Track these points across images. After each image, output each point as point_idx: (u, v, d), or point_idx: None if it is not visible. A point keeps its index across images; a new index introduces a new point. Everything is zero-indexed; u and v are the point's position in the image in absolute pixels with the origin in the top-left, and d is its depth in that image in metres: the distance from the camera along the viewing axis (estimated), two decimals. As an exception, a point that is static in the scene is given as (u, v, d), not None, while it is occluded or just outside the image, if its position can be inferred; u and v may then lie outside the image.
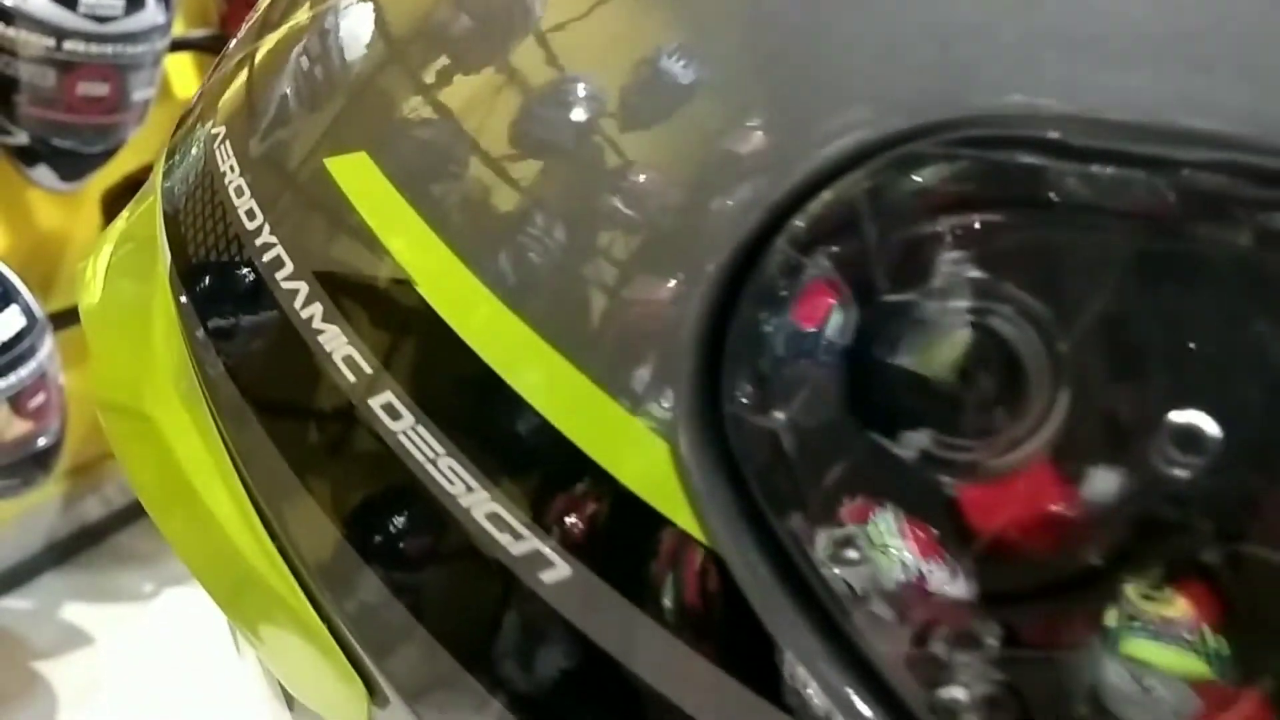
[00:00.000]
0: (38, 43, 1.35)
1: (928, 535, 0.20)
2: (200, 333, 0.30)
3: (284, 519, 0.28)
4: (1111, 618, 0.20)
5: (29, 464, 1.43)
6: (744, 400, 0.21)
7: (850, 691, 0.21)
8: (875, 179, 0.20)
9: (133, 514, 1.90)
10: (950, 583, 0.20)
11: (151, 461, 0.33)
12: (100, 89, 1.38)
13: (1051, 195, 0.19)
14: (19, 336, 1.31)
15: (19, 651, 1.72)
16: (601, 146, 0.23)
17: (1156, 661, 0.19)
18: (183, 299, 0.32)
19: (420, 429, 0.25)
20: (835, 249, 0.20)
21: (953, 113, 0.20)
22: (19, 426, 1.39)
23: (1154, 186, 0.19)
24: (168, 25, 1.43)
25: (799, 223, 0.20)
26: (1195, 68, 0.19)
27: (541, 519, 0.23)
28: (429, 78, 0.27)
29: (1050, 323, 0.19)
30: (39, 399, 1.36)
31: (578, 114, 0.24)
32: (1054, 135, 0.19)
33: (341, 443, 0.26)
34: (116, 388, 0.34)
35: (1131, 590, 0.19)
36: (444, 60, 0.27)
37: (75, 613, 1.77)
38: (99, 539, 1.88)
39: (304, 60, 0.30)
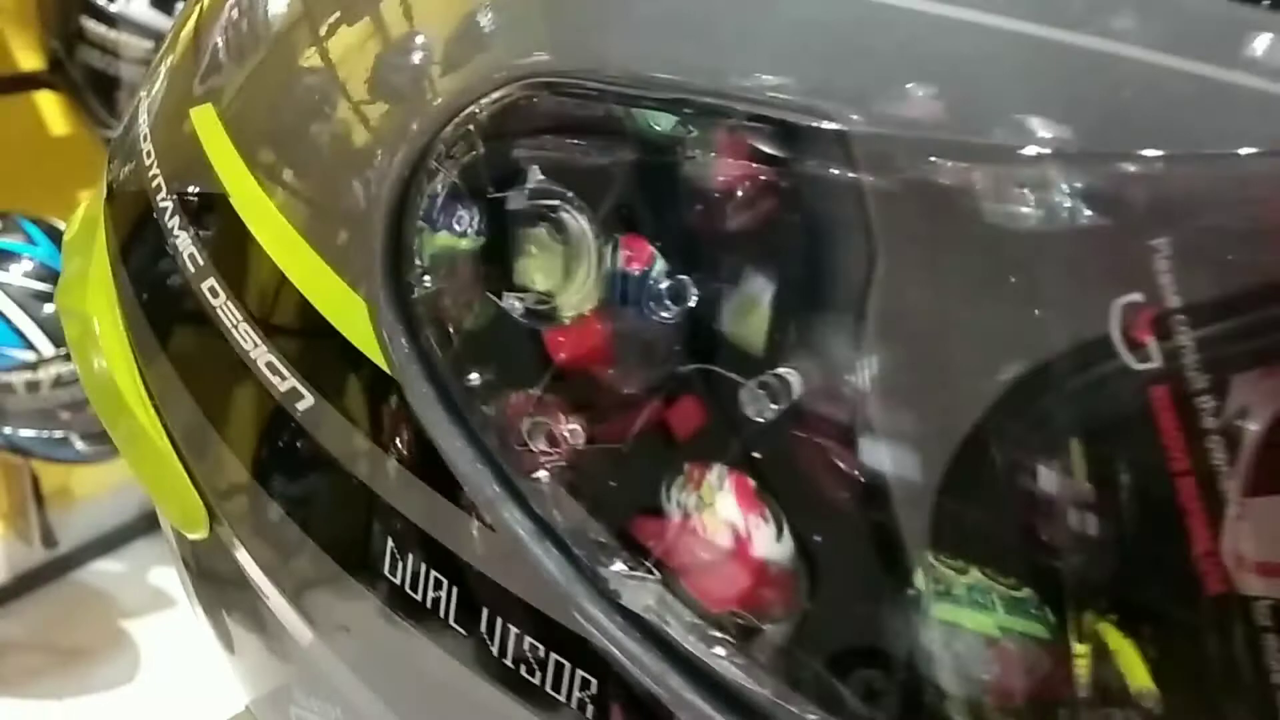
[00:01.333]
0: (138, 45, 1.48)
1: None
2: (112, 240, 0.40)
3: (154, 374, 0.38)
4: (922, 582, 0.28)
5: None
6: (413, 274, 0.31)
7: (479, 470, 0.30)
8: (486, 112, 0.29)
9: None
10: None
11: (90, 359, 0.43)
12: (192, 89, 1.51)
13: (597, 127, 0.29)
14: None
15: (110, 609, 1.84)
16: (335, 91, 0.33)
17: (966, 624, 0.28)
18: (109, 224, 0.42)
19: (230, 303, 0.35)
20: (462, 160, 0.30)
21: (542, 68, 0.29)
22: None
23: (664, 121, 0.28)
24: (257, 33, 1.56)
25: (440, 140, 0.30)
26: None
27: (295, 364, 0.33)
28: (245, 40, 0.37)
29: (590, 213, 0.29)
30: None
31: (332, 60, 0.34)
32: (599, 85, 0.28)
33: (186, 314, 0.37)
34: (70, 293, 0.44)
35: (936, 561, 0.28)
36: (252, 24, 0.37)
37: (162, 577, 1.88)
38: (188, 511, 1.99)
39: (195, 24, 0.40)
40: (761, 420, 0.27)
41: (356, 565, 0.32)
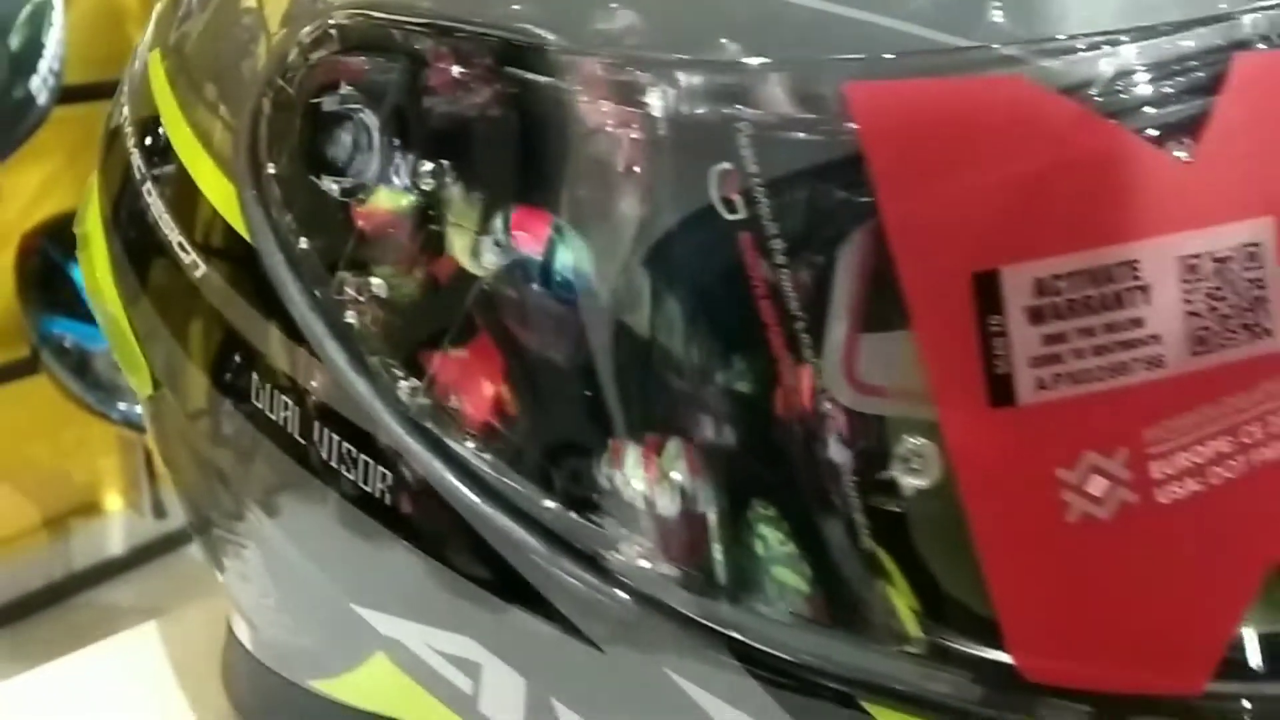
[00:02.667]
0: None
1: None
2: (101, 174, 0.52)
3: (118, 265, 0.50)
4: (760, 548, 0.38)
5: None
6: (265, 165, 0.42)
7: (310, 313, 0.41)
8: (314, 36, 0.40)
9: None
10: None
11: (90, 273, 0.55)
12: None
13: (394, 49, 0.39)
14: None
15: (216, 582, 1.99)
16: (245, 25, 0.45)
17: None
18: (101, 164, 0.54)
19: (159, 200, 0.46)
20: (292, 73, 0.41)
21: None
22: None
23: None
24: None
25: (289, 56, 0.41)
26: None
27: (194, 242, 0.45)
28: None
29: (379, 111, 0.39)
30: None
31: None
32: (386, 16, 0.39)
33: (136, 209, 0.48)
34: (80, 218, 0.57)
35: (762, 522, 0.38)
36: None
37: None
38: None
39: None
40: (489, 269, 0.37)
41: (232, 393, 0.43)
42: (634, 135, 0.34)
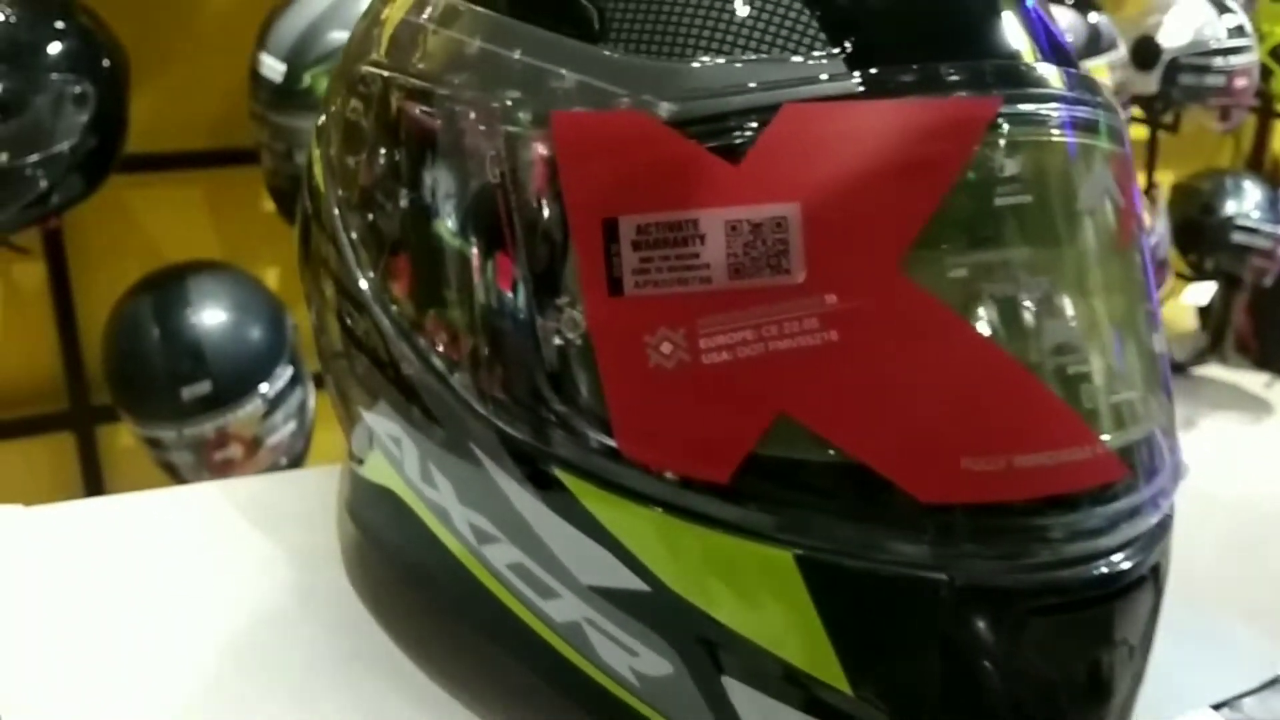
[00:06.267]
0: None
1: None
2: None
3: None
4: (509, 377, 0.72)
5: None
6: (327, 143, 0.77)
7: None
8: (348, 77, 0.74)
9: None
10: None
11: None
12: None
13: (371, 92, 0.73)
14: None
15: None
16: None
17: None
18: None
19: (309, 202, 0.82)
20: (337, 96, 0.75)
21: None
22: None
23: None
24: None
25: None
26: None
27: (308, 191, 0.80)
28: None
29: (370, 120, 0.73)
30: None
31: None
32: (385, 73, 0.73)
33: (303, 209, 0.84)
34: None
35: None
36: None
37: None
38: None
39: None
40: (404, 212, 0.70)
41: (317, 284, 0.78)
42: (461, 140, 0.65)
